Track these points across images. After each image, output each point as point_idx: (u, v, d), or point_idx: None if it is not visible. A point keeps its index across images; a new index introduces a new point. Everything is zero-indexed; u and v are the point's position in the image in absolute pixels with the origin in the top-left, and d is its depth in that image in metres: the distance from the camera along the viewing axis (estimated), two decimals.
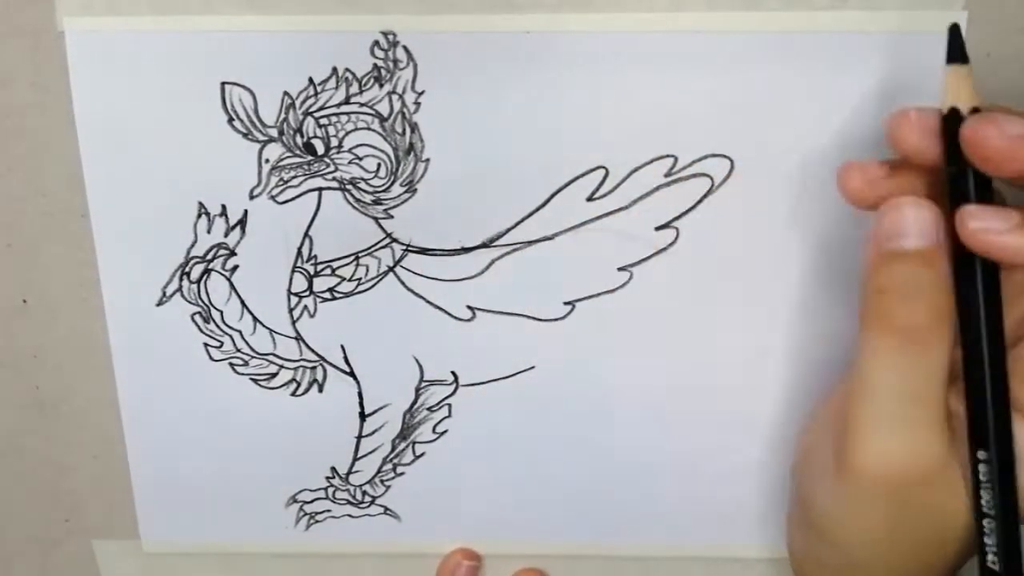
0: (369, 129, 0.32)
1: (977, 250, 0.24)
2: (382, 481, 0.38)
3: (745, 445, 0.36)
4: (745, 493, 0.37)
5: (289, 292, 0.35)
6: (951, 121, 0.25)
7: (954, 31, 0.25)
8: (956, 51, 0.25)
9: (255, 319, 0.35)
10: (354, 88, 0.32)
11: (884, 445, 0.25)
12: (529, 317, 0.35)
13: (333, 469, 0.37)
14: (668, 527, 0.38)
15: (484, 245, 0.34)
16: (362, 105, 0.32)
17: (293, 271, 0.34)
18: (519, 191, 0.33)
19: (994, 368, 0.25)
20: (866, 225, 0.33)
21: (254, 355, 0.36)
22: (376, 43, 0.31)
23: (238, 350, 0.36)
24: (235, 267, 0.34)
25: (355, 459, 0.37)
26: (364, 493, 0.38)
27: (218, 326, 0.35)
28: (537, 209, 0.33)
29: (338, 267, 0.34)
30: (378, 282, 0.34)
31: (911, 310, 0.25)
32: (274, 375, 0.36)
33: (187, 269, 0.34)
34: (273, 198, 0.33)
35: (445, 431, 0.37)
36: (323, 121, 0.32)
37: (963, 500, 0.26)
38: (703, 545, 0.38)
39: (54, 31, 0.32)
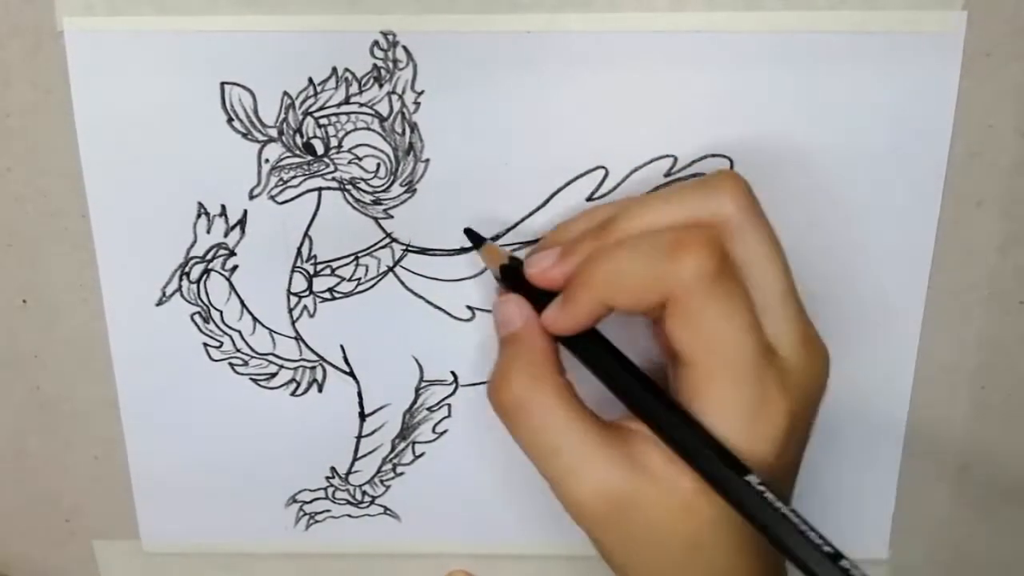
0: (369, 129, 0.32)
1: (539, 284, 0.29)
2: (382, 481, 0.38)
3: None
4: None
5: (289, 292, 0.35)
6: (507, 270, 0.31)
7: (467, 231, 0.32)
8: (477, 240, 0.32)
9: (255, 319, 0.35)
10: (354, 88, 0.32)
11: (564, 497, 0.29)
12: None
13: (333, 469, 0.37)
14: None
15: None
16: (362, 105, 0.32)
17: (293, 271, 0.34)
18: (519, 191, 0.33)
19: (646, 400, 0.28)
20: (866, 225, 0.33)
21: (254, 355, 0.36)
22: (376, 43, 0.31)
23: (238, 350, 0.36)
24: (235, 267, 0.34)
25: (355, 459, 0.37)
26: (364, 493, 0.38)
27: (218, 326, 0.35)
28: (537, 209, 0.33)
29: (338, 267, 0.34)
30: (378, 282, 0.34)
31: (504, 389, 0.29)
32: (274, 375, 0.36)
33: (187, 269, 0.34)
34: (273, 198, 0.33)
35: (445, 431, 0.37)
36: (323, 121, 0.32)
37: (678, 507, 0.28)
38: None
39: (54, 31, 0.32)
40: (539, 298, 0.29)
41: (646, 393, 0.28)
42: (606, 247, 0.28)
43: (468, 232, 0.32)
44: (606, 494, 0.28)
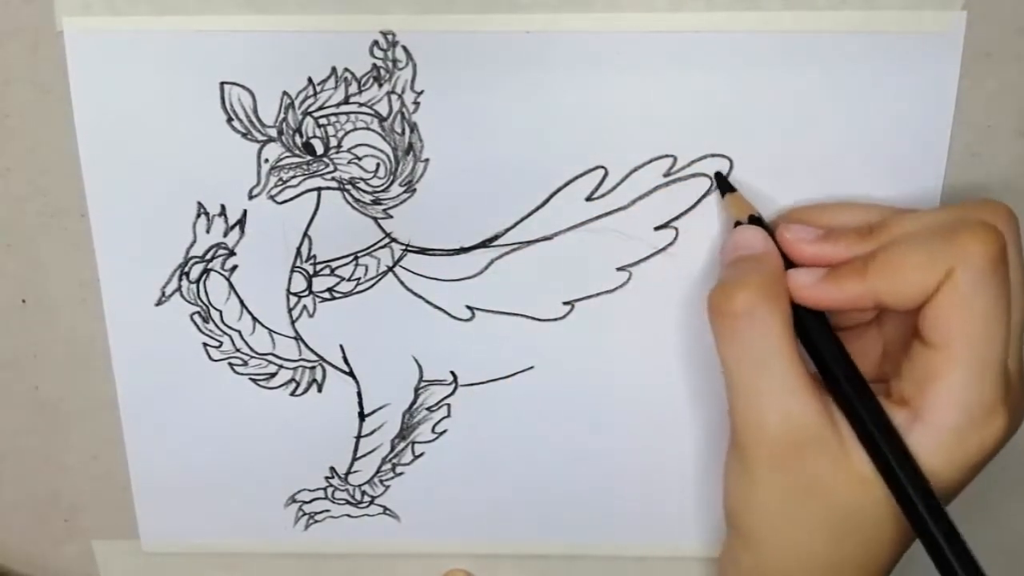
0: (368, 129, 0.32)
1: (788, 251, 0.29)
2: (381, 481, 0.38)
3: None
4: None
5: (288, 292, 0.35)
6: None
7: (717, 175, 0.32)
8: (725, 186, 0.32)
9: (254, 319, 0.35)
10: (353, 88, 0.32)
11: (748, 415, 0.28)
12: (528, 317, 0.35)
13: (332, 469, 0.37)
14: (668, 527, 0.38)
15: (483, 245, 0.34)
16: (361, 105, 0.32)
17: (292, 271, 0.34)
18: (518, 191, 0.33)
19: (863, 402, 0.28)
20: None
21: (253, 355, 0.36)
22: (375, 43, 0.31)
23: (237, 350, 0.36)
24: (234, 267, 0.34)
25: (354, 459, 0.37)
26: (363, 493, 0.38)
27: (217, 326, 0.35)
28: (536, 209, 0.33)
29: (337, 267, 0.34)
30: (377, 282, 0.34)
31: (737, 292, 0.28)
32: (273, 375, 0.36)
33: (186, 269, 0.34)
34: (272, 198, 0.33)
35: (444, 431, 0.37)
36: (322, 121, 0.32)
37: (854, 473, 0.27)
38: (703, 545, 0.38)
39: (53, 31, 0.32)
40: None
41: (856, 391, 0.28)
42: (884, 245, 0.28)
43: (718, 176, 0.32)
44: (792, 426, 0.27)
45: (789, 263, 0.30)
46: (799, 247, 0.29)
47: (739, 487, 0.29)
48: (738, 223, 0.31)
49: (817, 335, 0.29)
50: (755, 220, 0.31)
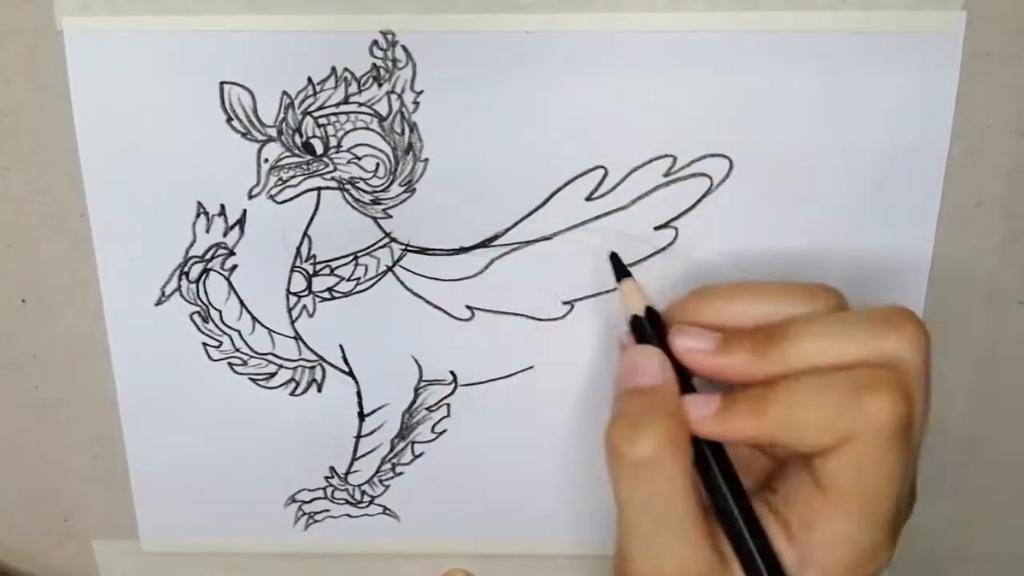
0: (368, 129, 0.32)
1: (685, 364, 0.28)
2: (381, 481, 0.38)
3: None
4: None
5: (288, 292, 0.35)
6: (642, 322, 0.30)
7: (613, 257, 0.32)
8: (621, 272, 0.31)
9: (254, 319, 0.35)
10: (353, 88, 0.32)
11: (643, 563, 0.27)
12: (528, 317, 0.35)
13: (332, 469, 0.37)
14: None
15: (483, 245, 0.34)
16: (361, 105, 0.32)
17: (292, 271, 0.34)
18: (518, 191, 0.33)
19: (750, 529, 0.27)
20: (866, 226, 0.33)
21: (253, 355, 0.36)
22: (375, 43, 0.31)
23: (237, 350, 0.36)
24: (234, 267, 0.34)
25: (354, 459, 0.37)
26: (363, 493, 0.38)
27: (217, 326, 0.35)
28: (536, 209, 0.33)
29: (337, 267, 0.34)
30: (377, 282, 0.34)
31: (640, 438, 0.27)
32: (273, 375, 0.36)
33: (186, 269, 0.34)
34: (272, 198, 0.33)
35: (444, 431, 0.37)
36: (322, 121, 0.32)
37: None
38: None
39: (53, 31, 0.32)
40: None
41: (750, 536, 0.27)
42: (786, 383, 0.26)
43: (614, 258, 0.32)
44: (683, 573, 0.27)
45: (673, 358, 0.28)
46: (694, 359, 0.28)
47: None
48: (635, 317, 0.30)
49: (713, 471, 0.28)
50: (650, 313, 0.30)
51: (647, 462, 0.27)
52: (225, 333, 0.35)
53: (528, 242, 0.34)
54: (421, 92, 0.32)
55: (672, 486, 0.27)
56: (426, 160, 0.33)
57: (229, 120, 0.32)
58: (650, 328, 0.29)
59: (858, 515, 0.26)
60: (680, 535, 0.27)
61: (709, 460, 0.27)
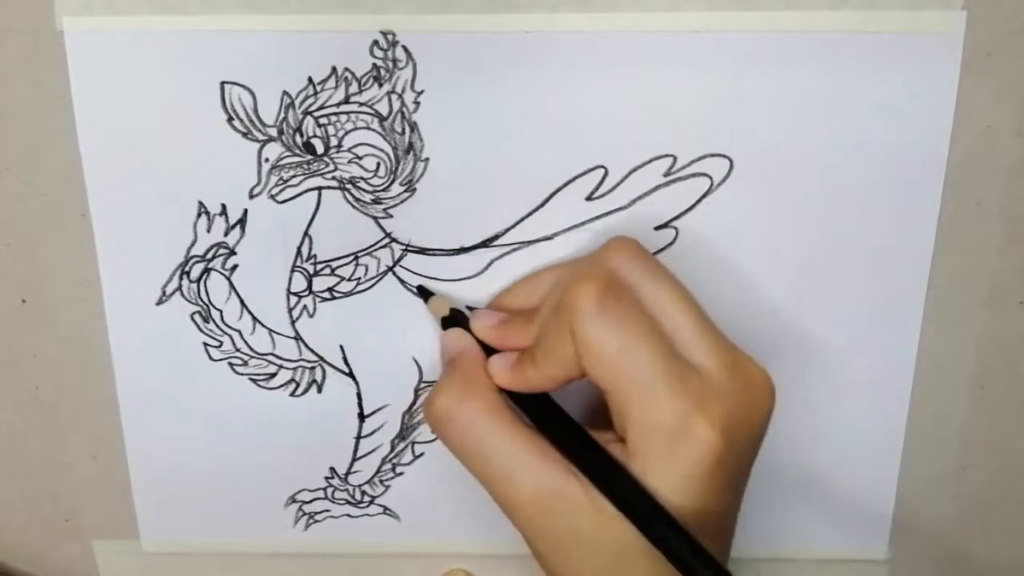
0: (368, 128, 0.32)
1: (484, 341, 0.32)
2: (381, 481, 0.38)
3: None
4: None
5: (288, 292, 0.35)
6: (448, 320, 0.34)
7: (419, 288, 0.35)
8: (425, 294, 0.34)
9: (254, 319, 0.35)
10: (353, 88, 0.32)
11: (496, 494, 0.30)
12: None
13: (332, 469, 0.37)
14: None
15: (483, 245, 0.34)
16: (361, 105, 0.32)
17: (292, 271, 0.34)
18: (519, 191, 0.33)
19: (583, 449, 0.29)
20: (866, 225, 0.33)
21: (253, 355, 0.36)
22: (375, 43, 0.31)
23: (237, 350, 0.36)
24: (235, 266, 0.34)
25: (354, 459, 0.37)
26: (363, 493, 0.38)
27: (218, 326, 0.35)
28: (537, 209, 0.33)
29: (337, 267, 0.34)
30: (377, 282, 0.34)
31: (434, 401, 0.31)
32: (273, 375, 0.36)
33: (187, 268, 0.34)
34: (273, 197, 0.33)
35: None
36: (322, 120, 0.32)
37: (602, 516, 0.28)
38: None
39: (54, 31, 0.32)
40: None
41: (576, 444, 0.29)
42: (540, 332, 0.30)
43: (420, 288, 0.34)
44: (535, 492, 0.29)
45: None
46: (485, 334, 0.32)
47: (526, 543, 0.31)
48: (443, 318, 0.33)
49: (529, 407, 0.31)
50: (456, 313, 0.33)
51: (442, 417, 0.31)
52: (226, 333, 0.35)
53: (529, 242, 0.34)
54: (422, 92, 0.32)
55: (475, 428, 0.30)
56: (427, 160, 0.33)
57: (230, 120, 0.32)
58: (455, 322, 0.33)
59: (628, 394, 0.28)
60: (508, 463, 0.29)
61: (524, 403, 0.31)
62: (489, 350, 0.32)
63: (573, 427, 0.30)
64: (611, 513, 0.28)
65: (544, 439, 0.30)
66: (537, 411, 0.31)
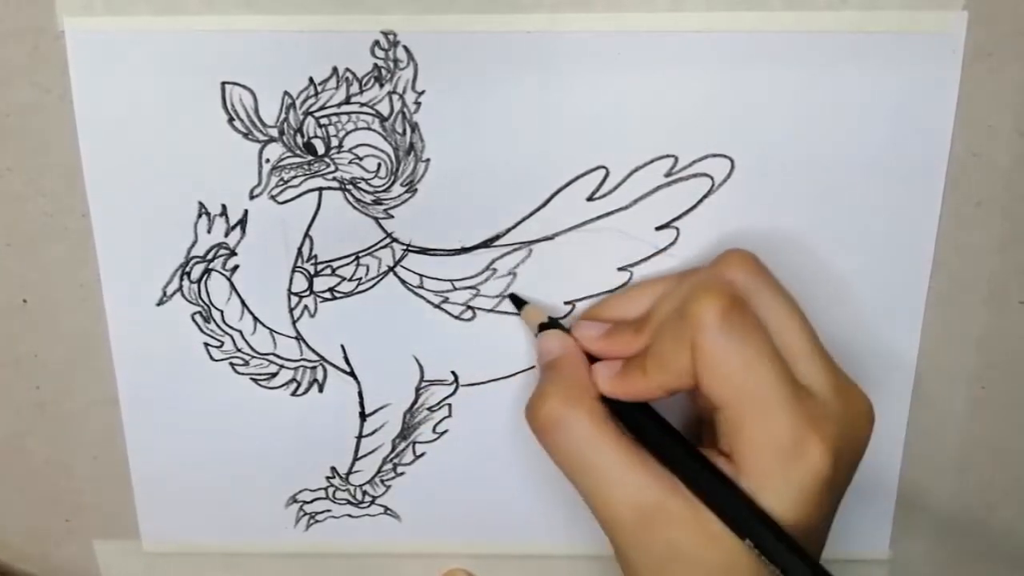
0: (369, 129, 0.32)
1: (586, 348, 0.32)
2: (382, 481, 0.38)
3: None
4: None
5: (289, 292, 0.35)
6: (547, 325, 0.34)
7: (512, 296, 0.35)
8: (519, 303, 0.34)
9: (255, 319, 0.35)
10: (354, 88, 0.32)
11: (595, 508, 0.30)
12: None
13: (333, 469, 0.37)
14: None
15: (484, 245, 0.34)
16: (362, 105, 0.32)
17: (293, 271, 0.34)
18: (519, 191, 0.33)
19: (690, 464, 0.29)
20: (866, 225, 0.33)
21: (254, 355, 0.36)
22: (376, 43, 0.31)
23: (238, 350, 0.36)
24: (235, 267, 0.34)
25: (355, 459, 0.37)
26: (364, 493, 0.38)
27: (218, 326, 0.35)
28: (537, 209, 0.33)
29: (338, 267, 0.34)
30: (378, 282, 0.34)
31: (540, 408, 0.30)
32: (274, 375, 0.36)
33: (187, 269, 0.34)
34: (273, 198, 0.33)
35: (445, 431, 0.37)
36: (323, 121, 0.32)
37: (706, 531, 0.28)
38: None
39: (54, 31, 0.32)
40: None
41: (676, 450, 0.29)
42: (652, 340, 0.30)
43: (512, 297, 0.34)
44: (637, 507, 0.29)
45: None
46: (589, 344, 0.32)
47: (620, 565, 0.31)
48: (540, 324, 0.33)
49: (632, 418, 0.30)
50: (551, 322, 0.33)
51: (551, 426, 0.30)
52: (226, 333, 0.35)
53: (529, 242, 0.34)
54: (422, 92, 0.32)
55: (582, 437, 0.30)
56: (427, 160, 0.33)
57: (231, 120, 0.32)
58: (554, 326, 0.33)
59: (745, 413, 0.28)
60: (610, 475, 0.29)
61: (627, 412, 0.30)
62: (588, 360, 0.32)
63: (679, 439, 0.30)
64: (717, 530, 0.28)
65: (646, 451, 0.30)
66: (639, 422, 0.30)
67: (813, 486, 0.28)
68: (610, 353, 0.31)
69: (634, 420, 0.30)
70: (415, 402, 0.36)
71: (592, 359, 0.32)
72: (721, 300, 0.28)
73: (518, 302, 0.34)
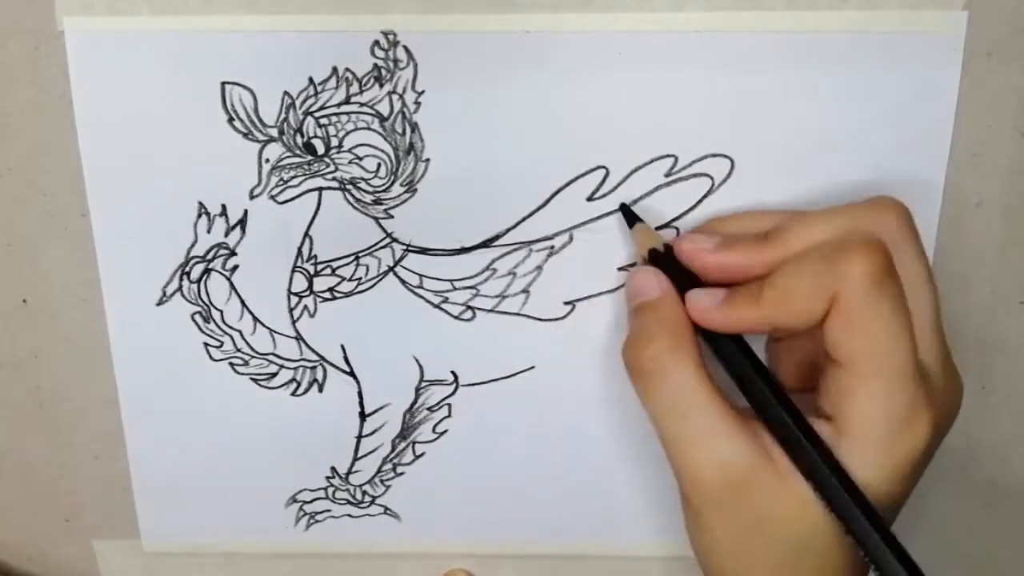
0: (369, 129, 0.32)
1: (691, 266, 0.30)
2: (382, 481, 0.38)
3: None
4: None
5: (289, 292, 0.35)
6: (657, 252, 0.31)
7: (623, 207, 0.33)
8: (631, 218, 0.32)
9: (255, 319, 0.35)
10: (354, 88, 0.32)
11: (682, 465, 0.28)
12: (529, 317, 0.35)
13: (333, 469, 0.37)
14: (667, 527, 0.38)
15: (485, 245, 0.34)
16: (362, 105, 0.32)
17: (293, 271, 0.34)
18: (519, 191, 0.33)
19: (781, 409, 0.28)
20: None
21: (254, 355, 0.36)
22: (376, 43, 0.31)
23: (238, 350, 0.36)
24: (235, 267, 0.34)
25: (355, 459, 0.37)
26: (364, 493, 0.38)
27: (218, 326, 0.35)
28: (537, 209, 0.33)
29: (338, 267, 0.34)
30: (378, 282, 0.34)
31: (642, 350, 0.29)
32: (274, 375, 0.36)
33: (187, 269, 0.34)
34: (273, 198, 0.33)
35: (445, 431, 0.37)
36: (323, 121, 0.32)
37: (795, 499, 0.27)
38: None
39: (54, 31, 0.32)
40: (681, 281, 0.30)
41: (779, 405, 0.28)
42: (777, 268, 0.28)
43: (624, 208, 0.32)
44: (725, 467, 0.28)
45: (688, 281, 0.30)
46: (699, 256, 0.29)
47: (693, 531, 0.29)
48: (652, 250, 0.31)
49: (734, 360, 0.29)
50: (658, 254, 0.31)
51: (653, 370, 0.28)
52: (226, 333, 0.35)
53: (529, 242, 0.34)
54: (422, 92, 0.32)
55: (684, 387, 0.28)
56: (427, 160, 0.33)
57: (230, 120, 0.32)
58: (658, 261, 0.31)
59: (871, 377, 0.27)
60: (707, 430, 0.28)
61: (729, 353, 0.29)
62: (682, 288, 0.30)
63: (778, 392, 0.28)
64: (808, 499, 0.27)
65: (743, 413, 0.28)
66: (734, 360, 0.29)
67: (913, 462, 0.27)
68: (724, 269, 0.29)
69: (729, 357, 0.29)
70: (415, 402, 0.36)
71: (686, 288, 0.29)
72: (880, 261, 0.26)
73: (631, 217, 0.32)
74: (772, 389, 0.28)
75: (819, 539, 0.27)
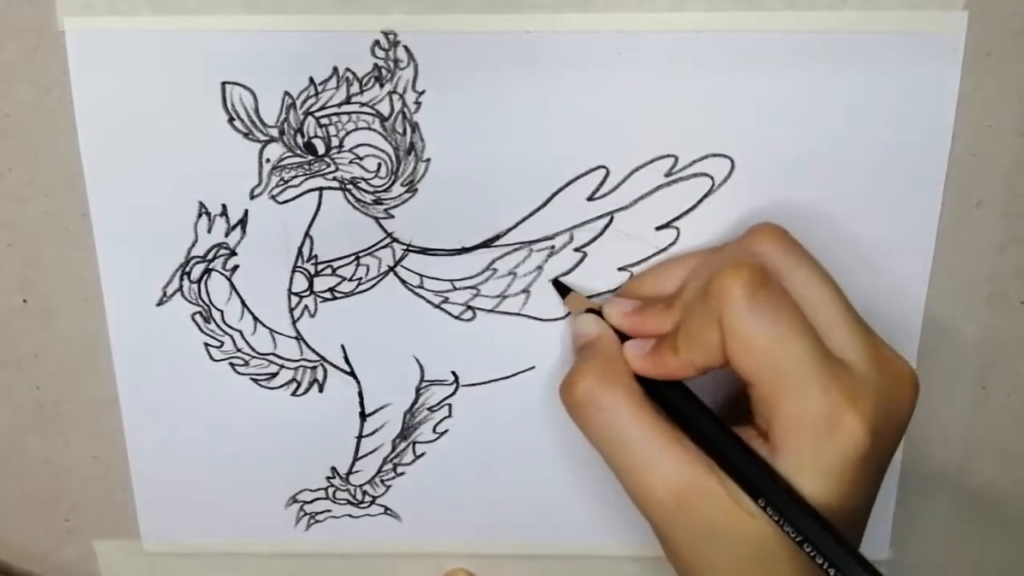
0: (370, 129, 0.32)
1: (620, 329, 0.32)
2: (382, 481, 0.38)
3: None
4: None
5: (289, 292, 0.35)
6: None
7: (555, 282, 0.34)
8: (563, 290, 0.34)
9: (255, 319, 0.35)
10: (355, 88, 0.32)
11: (630, 488, 0.30)
12: (529, 317, 0.35)
13: (333, 469, 0.37)
14: None
15: (485, 245, 0.34)
16: (363, 105, 0.32)
17: (293, 271, 0.34)
18: (519, 191, 0.33)
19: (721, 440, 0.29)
20: (866, 225, 0.33)
21: (254, 355, 0.36)
22: (377, 43, 0.31)
23: (238, 350, 0.36)
24: (235, 267, 0.34)
25: (355, 459, 0.37)
26: (364, 493, 0.38)
27: (218, 326, 0.35)
28: (537, 209, 0.33)
29: (338, 267, 0.34)
30: (378, 282, 0.34)
31: (577, 384, 0.30)
32: (274, 375, 0.36)
33: (187, 269, 0.34)
34: (274, 198, 0.33)
35: (445, 431, 0.37)
36: (324, 121, 0.32)
37: (742, 512, 0.28)
38: None
39: (54, 31, 0.32)
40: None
41: (710, 431, 0.29)
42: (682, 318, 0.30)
43: (555, 283, 0.34)
44: (674, 486, 0.28)
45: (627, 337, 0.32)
46: (619, 321, 0.32)
47: (659, 540, 0.31)
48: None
49: (666, 397, 0.30)
50: (592, 311, 0.33)
51: (587, 402, 0.30)
52: (227, 333, 0.35)
53: (530, 242, 0.34)
54: (423, 92, 0.32)
55: (617, 415, 0.29)
56: (428, 160, 0.33)
57: (231, 120, 0.32)
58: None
59: (778, 390, 0.28)
60: (647, 454, 0.29)
61: (659, 391, 0.30)
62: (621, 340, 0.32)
63: (712, 420, 0.30)
64: (752, 510, 0.28)
65: (682, 432, 0.29)
66: (673, 401, 0.30)
67: (850, 463, 0.27)
68: (641, 330, 0.31)
69: (668, 399, 0.30)
70: (415, 402, 0.36)
71: (624, 338, 0.31)
72: (747, 275, 0.27)
73: (562, 289, 0.34)
74: (707, 417, 0.30)
75: (770, 549, 0.28)
